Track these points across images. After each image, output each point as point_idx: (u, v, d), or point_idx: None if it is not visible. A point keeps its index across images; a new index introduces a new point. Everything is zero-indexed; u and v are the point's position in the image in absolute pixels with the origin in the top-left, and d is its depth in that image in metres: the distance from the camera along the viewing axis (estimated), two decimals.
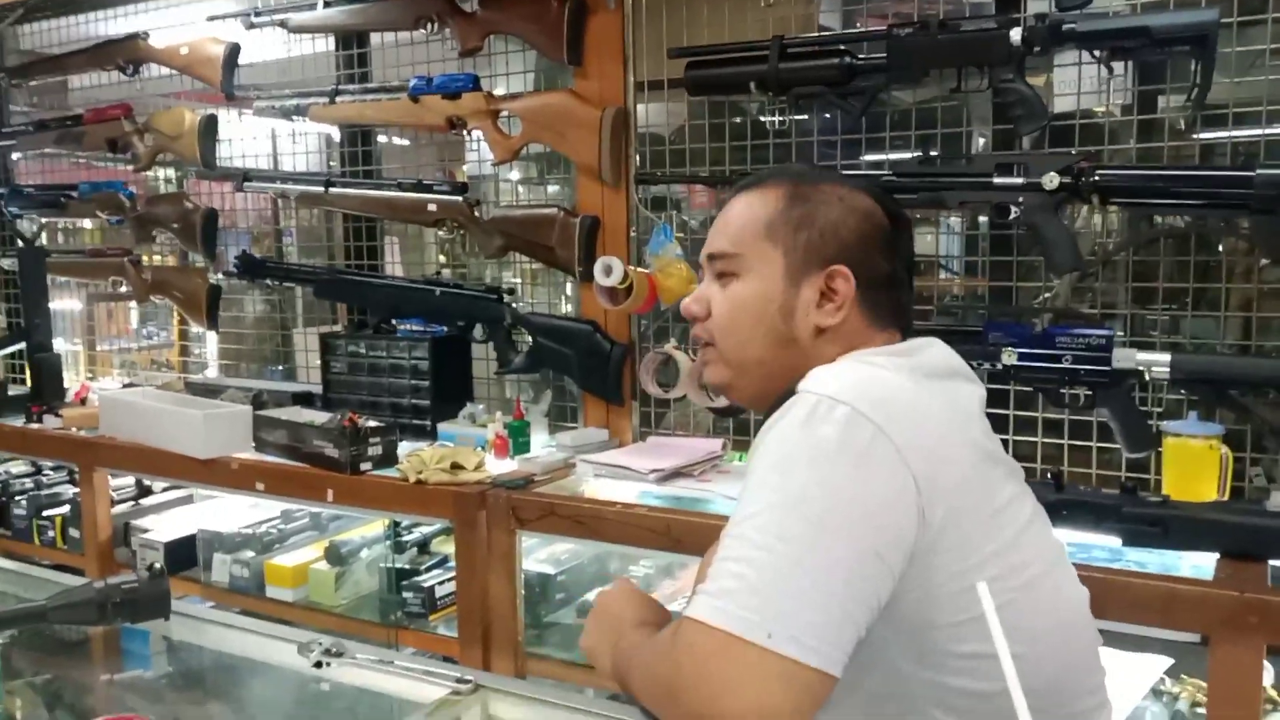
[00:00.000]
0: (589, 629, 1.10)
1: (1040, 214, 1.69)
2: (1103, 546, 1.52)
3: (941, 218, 2.11)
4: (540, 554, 2.13)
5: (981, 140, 2.02)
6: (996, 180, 1.73)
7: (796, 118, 2.08)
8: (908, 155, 1.90)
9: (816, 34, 2.00)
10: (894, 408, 0.91)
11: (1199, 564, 1.45)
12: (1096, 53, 1.71)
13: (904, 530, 0.87)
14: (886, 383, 0.94)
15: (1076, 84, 1.82)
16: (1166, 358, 1.64)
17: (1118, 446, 1.74)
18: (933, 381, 0.99)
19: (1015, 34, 1.71)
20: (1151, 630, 1.39)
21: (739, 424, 2.18)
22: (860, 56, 1.86)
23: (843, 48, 1.88)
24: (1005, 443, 1.54)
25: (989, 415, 1.04)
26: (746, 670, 0.81)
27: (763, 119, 2.14)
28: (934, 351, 1.04)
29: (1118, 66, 1.74)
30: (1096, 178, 1.66)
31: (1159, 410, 1.78)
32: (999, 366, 1.73)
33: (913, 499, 0.87)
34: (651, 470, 1.92)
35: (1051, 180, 1.67)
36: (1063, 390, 1.71)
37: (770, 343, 1.06)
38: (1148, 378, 1.68)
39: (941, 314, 2.09)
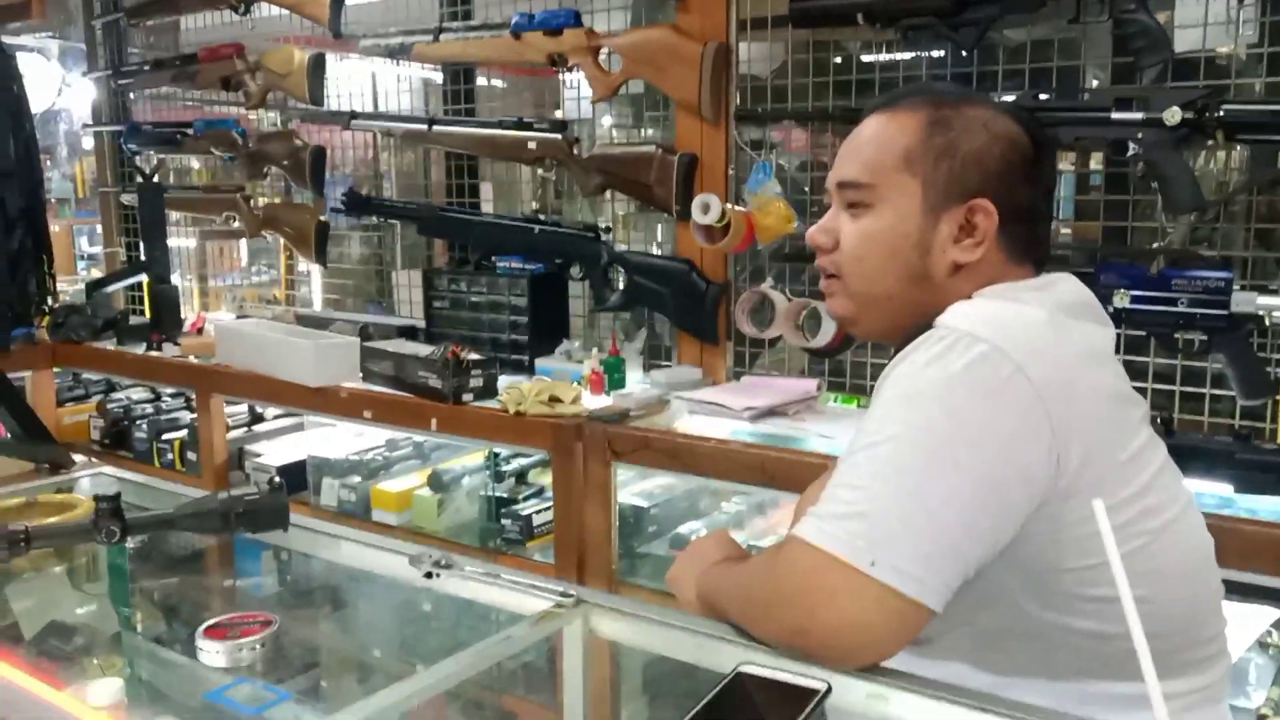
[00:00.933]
0: (678, 562, 1.12)
1: (1160, 151, 1.63)
2: (1214, 494, 1.48)
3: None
4: (634, 488, 2.17)
5: (1095, 82, 1.95)
6: (1115, 115, 1.66)
7: (901, 56, 2.03)
8: (1020, 94, 1.84)
9: None
10: (1034, 346, 0.88)
11: None
12: None
13: (1034, 472, 0.85)
14: (1028, 320, 0.91)
15: (1203, 18, 1.74)
16: None
17: (1232, 394, 1.68)
18: (1071, 319, 0.95)
19: None
20: (1261, 578, 1.35)
21: (835, 365, 2.17)
22: None
23: None
24: None
25: None
26: (846, 591, 0.83)
27: (864, 58, 2.10)
28: (1069, 286, 1.00)
29: None
30: (1221, 113, 1.59)
31: (1278, 357, 1.71)
32: (1111, 309, 1.68)
33: (1047, 441, 0.85)
34: (746, 408, 1.93)
35: (1174, 115, 1.61)
36: (1177, 335, 1.66)
37: (902, 278, 1.00)
38: (1268, 323, 1.62)
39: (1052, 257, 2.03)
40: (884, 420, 0.88)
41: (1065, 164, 2.07)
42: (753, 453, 1.75)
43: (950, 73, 1.97)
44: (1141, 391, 1.84)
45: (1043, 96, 1.77)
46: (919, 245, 0.99)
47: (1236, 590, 1.39)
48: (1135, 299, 1.67)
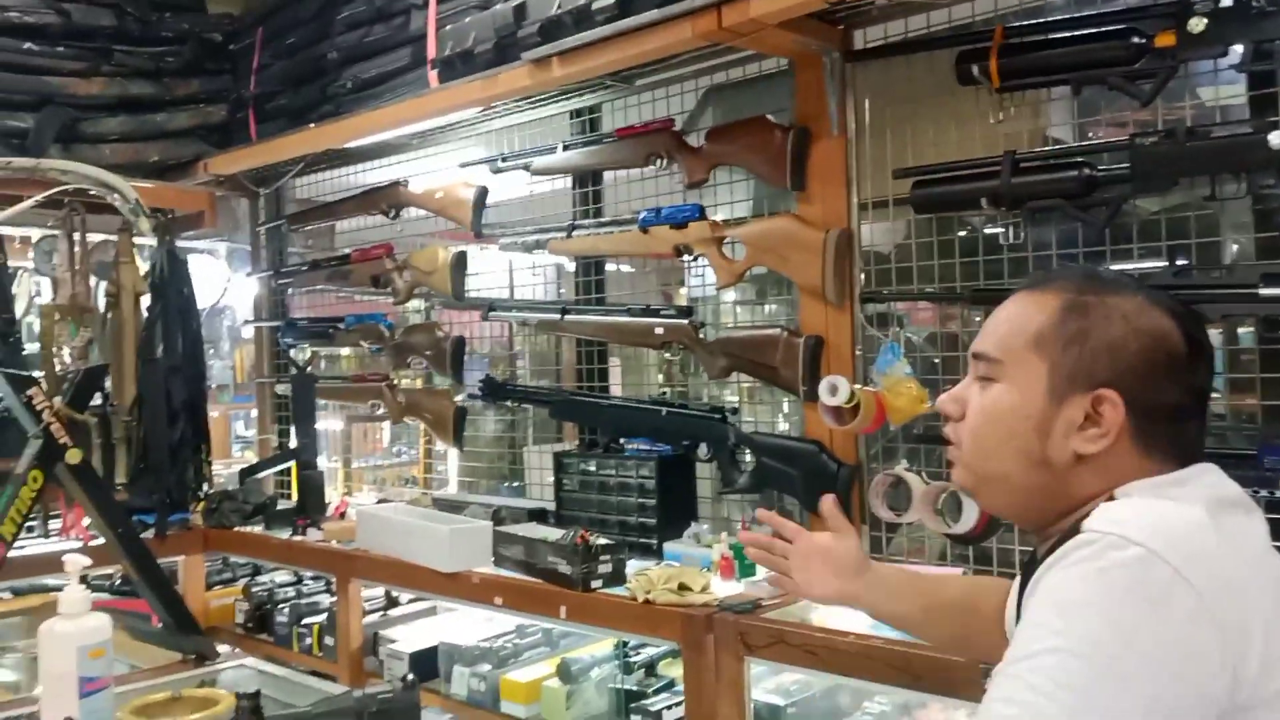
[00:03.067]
0: None
1: None
2: None
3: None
4: (769, 683, 2.07)
5: (1235, 247, 1.89)
6: (1263, 291, 1.60)
7: (1031, 229, 2.02)
8: (1156, 265, 1.79)
9: (1051, 147, 1.95)
10: (1194, 547, 0.83)
11: None
12: None
13: (1207, 688, 0.79)
14: (1185, 519, 0.87)
15: None
16: None
17: None
18: (1226, 513, 0.89)
19: (1275, 137, 1.60)
20: None
21: (979, 552, 2.07)
22: (1100, 168, 1.80)
23: (1081, 159, 1.82)
24: None
25: None
26: None
27: (989, 230, 2.10)
28: (1215, 479, 0.95)
29: None
30: None
31: None
32: (1278, 495, 1.57)
33: (1217, 652, 0.79)
34: None
35: None
36: None
37: (1020, 460, 0.99)
38: None
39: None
40: (1039, 630, 0.83)
41: (1212, 334, 1.99)
42: (897, 650, 1.66)
43: (1082, 251, 1.94)
44: None
45: (1182, 268, 1.72)
46: (1039, 429, 0.98)
47: None
48: None
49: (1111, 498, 0.93)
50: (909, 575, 1.47)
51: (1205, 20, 1.65)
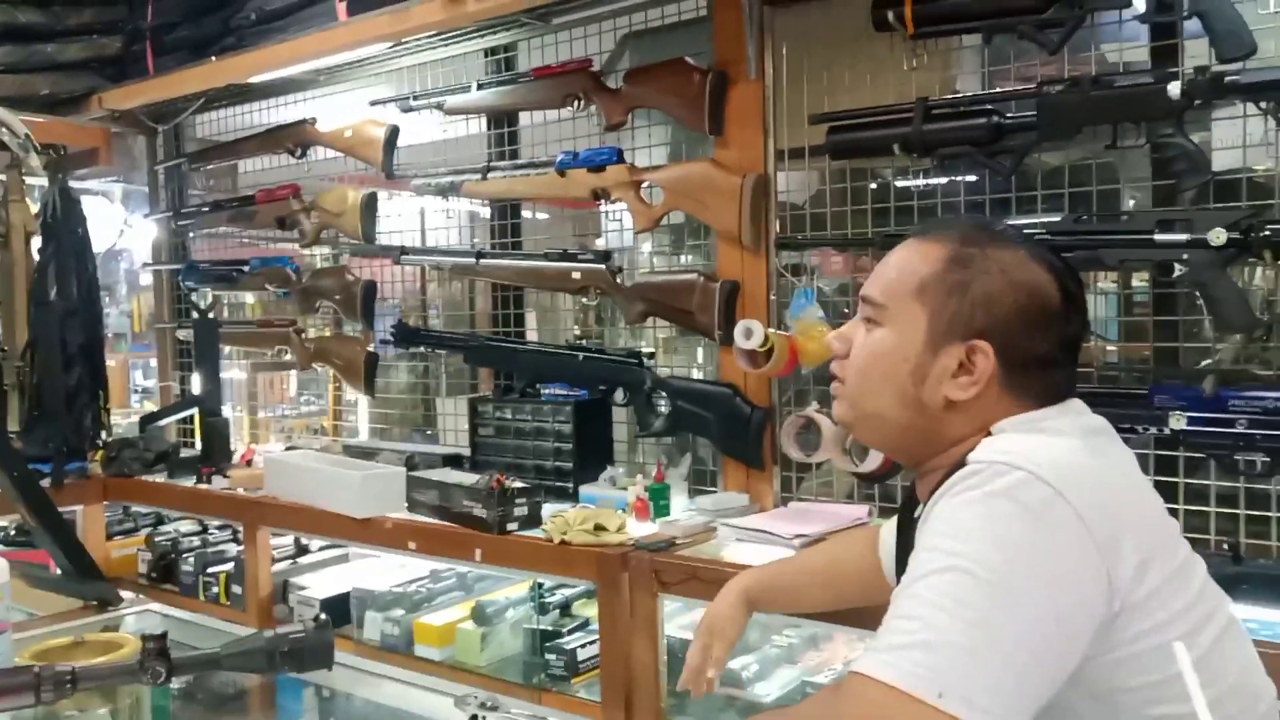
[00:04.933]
0: None
1: (1207, 271, 1.62)
2: None
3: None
4: (682, 619, 2.11)
5: (1132, 202, 1.96)
6: (1158, 237, 1.66)
7: (939, 180, 2.06)
8: (1059, 216, 1.85)
9: (962, 94, 1.99)
10: (1070, 470, 0.89)
11: None
12: (1261, 105, 1.64)
13: (1089, 598, 0.85)
14: (1060, 447, 0.93)
15: (1241, 138, 1.75)
16: None
17: None
18: (1096, 439, 0.97)
19: (1174, 88, 1.66)
20: None
21: (885, 490, 2.14)
22: (1008, 116, 1.84)
23: (990, 107, 1.86)
24: (1173, 513, 1.46)
25: (1156, 484, 1.02)
26: None
27: (899, 183, 2.13)
28: (1081, 411, 1.02)
29: None
30: (1268, 232, 1.59)
31: None
32: (1166, 431, 1.65)
33: (1096, 565, 0.85)
34: (795, 535, 1.90)
35: (1219, 236, 1.60)
36: (1237, 457, 1.62)
37: (896, 401, 1.04)
38: None
39: (1100, 380, 2.01)
40: (934, 553, 0.88)
41: (1108, 283, 2.06)
42: None
43: (989, 197, 1.99)
44: (1203, 515, 1.78)
45: (1083, 218, 1.78)
46: (915, 373, 1.03)
47: None
48: (1192, 420, 1.63)
49: (989, 434, 0.98)
50: (780, 589, 1.48)
51: None
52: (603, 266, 2.43)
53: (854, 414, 1.10)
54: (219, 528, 3.07)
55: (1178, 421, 1.64)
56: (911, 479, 1.13)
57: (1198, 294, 1.66)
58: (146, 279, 4.05)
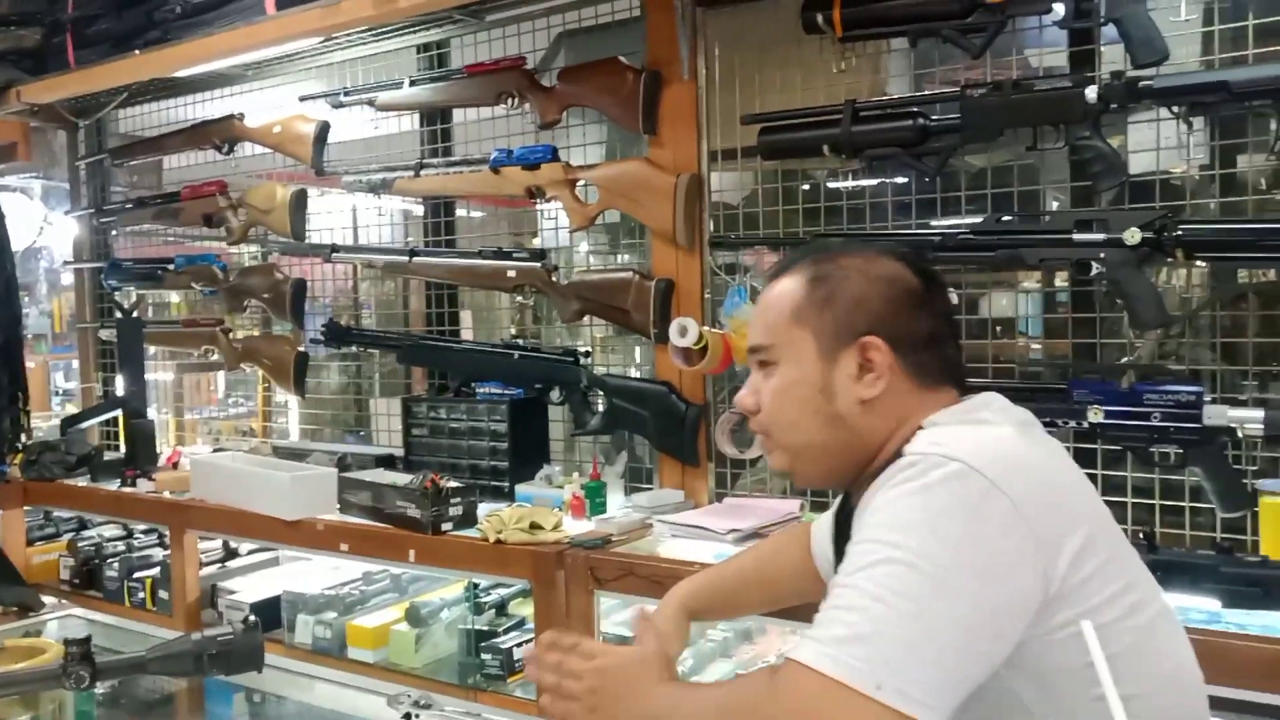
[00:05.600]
0: (599, 689, 1.05)
1: (1123, 270, 1.67)
2: (1201, 610, 1.47)
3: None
4: (618, 616, 2.12)
5: (1055, 204, 2.02)
6: (1076, 237, 1.72)
7: (869, 182, 2.10)
8: (982, 217, 1.90)
9: (889, 97, 2.03)
10: (1006, 460, 0.91)
11: None
12: (1174, 109, 1.71)
13: (1025, 588, 0.87)
14: (995, 437, 0.96)
15: (1155, 141, 1.82)
16: (1260, 414, 1.61)
17: (1211, 507, 1.69)
18: (1028, 429, 1.00)
19: (1091, 91, 1.72)
20: (1252, 694, 1.33)
21: None
22: (934, 118, 1.89)
23: (915, 110, 1.90)
24: None
25: None
26: (850, 716, 0.82)
27: (830, 184, 2.17)
28: (1008, 403, 1.05)
29: (1196, 122, 1.73)
30: (1180, 232, 1.65)
31: (1253, 469, 1.72)
32: (1085, 425, 1.70)
33: (1032, 555, 0.88)
34: (729, 530, 1.92)
35: (1133, 235, 1.66)
36: (1152, 449, 1.68)
37: (818, 424, 1.07)
38: (1240, 435, 1.64)
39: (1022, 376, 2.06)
40: (873, 544, 0.89)
41: (1031, 282, 2.13)
42: None
43: (915, 198, 2.04)
44: (1121, 505, 1.84)
45: (1005, 219, 1.83)
46: (824, 390, 1.06)
47: (1229, 708, 1.37)
48: (1109, 414, 1.69)
49: (922, 427, 1.01)
50: (717, 597, 1.47)
51: None
52: (538, 265, 2.43)
53: (789, 455, 1.12)
54: (144, 532, 3.00)
55: (1096, 415, 1.70)
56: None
57: (1114, 291, 1.72)
58: (68, 278, 3.94)
